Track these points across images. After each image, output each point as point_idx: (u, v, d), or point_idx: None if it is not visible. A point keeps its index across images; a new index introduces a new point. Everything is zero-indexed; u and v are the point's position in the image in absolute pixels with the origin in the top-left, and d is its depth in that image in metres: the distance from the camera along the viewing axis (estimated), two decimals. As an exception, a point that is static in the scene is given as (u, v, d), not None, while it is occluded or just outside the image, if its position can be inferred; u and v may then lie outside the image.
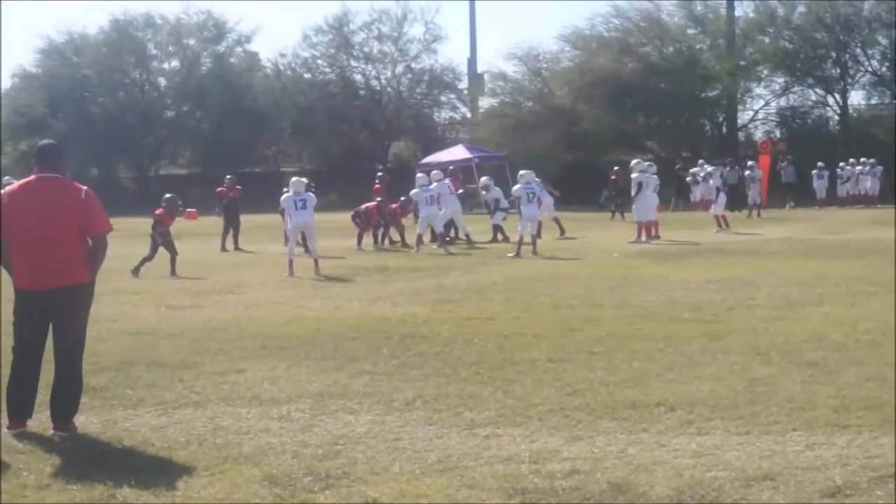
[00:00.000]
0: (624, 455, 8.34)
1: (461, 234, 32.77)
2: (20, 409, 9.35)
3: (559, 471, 7.90)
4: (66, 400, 9.37)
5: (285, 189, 25.80)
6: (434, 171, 33.28)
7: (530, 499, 7.29)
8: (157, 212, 25.57)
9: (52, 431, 9.28)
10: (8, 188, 9.48)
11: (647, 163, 34.48)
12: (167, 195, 26.61)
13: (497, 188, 34.32)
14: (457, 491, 7.46)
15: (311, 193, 25.55)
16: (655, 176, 32.88)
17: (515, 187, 29.40)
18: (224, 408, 10.23)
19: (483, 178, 36.44)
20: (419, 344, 13.67)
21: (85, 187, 9.60)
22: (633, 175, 32.43)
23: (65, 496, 7.53)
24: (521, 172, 29.94)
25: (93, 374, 11.55)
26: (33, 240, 9.25)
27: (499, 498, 7.31)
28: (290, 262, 23.94)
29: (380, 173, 39.09)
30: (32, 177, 9.49)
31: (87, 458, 8.55)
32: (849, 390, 10.22)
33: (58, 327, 9.39)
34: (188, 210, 49.97)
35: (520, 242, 27.52)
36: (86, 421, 9.70)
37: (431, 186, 31.12)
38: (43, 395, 9.49)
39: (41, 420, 9.46)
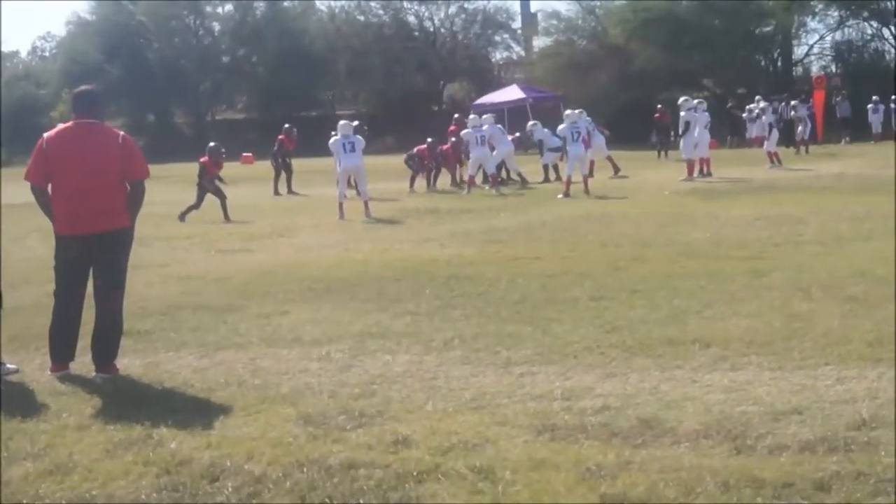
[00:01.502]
0: (656, 391, 8.39)
1: (513, 175, 32.76)
2: (63, 352, 9.54)
3: (590, 407, 7.97)
4: (107, 343, 9.53)
5: (333, 133, 25.82)
6: (485, 115, 33.20)
7: (559, 435, 7.34)
8: (202, 160, 25.78)
9: (94, 374, 9.46)
10: (47, 134, 9.58)
11: (696, 100, 34.14)
12: (211, 144, 26.85)
13: (545, 129, 34.26)
14: (487, 428, 7.53)
15: (359, 136, 25.60)
16: (706, 113, 32.59)
17: (561, 126, 29.38)
18: (265, 349, 10.37)
19: (529, 123, 36.33)
20: (463, 284, 13.76)
21: (122, 132, 9.75)
22: (682, 114, 32.25)
23: (103, 436, 7.66)
24: (567, 112, 29.92)
25: (139, 318, 11.79)
26: (73, 185, 9.38)
27: (528, 434, 7.37)
28: (341, 205, 24.13)
29: (456, 115, 38.89)
30: (70, 122, 9.61)
31: (127, 399, 8.70)
32: (886, 324, 10.17)
33: (98, 272, 9.54)
34: (244, 154, 50.44)
35: (568, 182, 27.51)
36: (129, 363, 9.87)
37: (483, 128, 31.11)
38: (85, 339, 9.65)
39: (84, 363, 9.63)
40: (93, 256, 9.49)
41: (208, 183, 25.22)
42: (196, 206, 24.94)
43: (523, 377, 9.01)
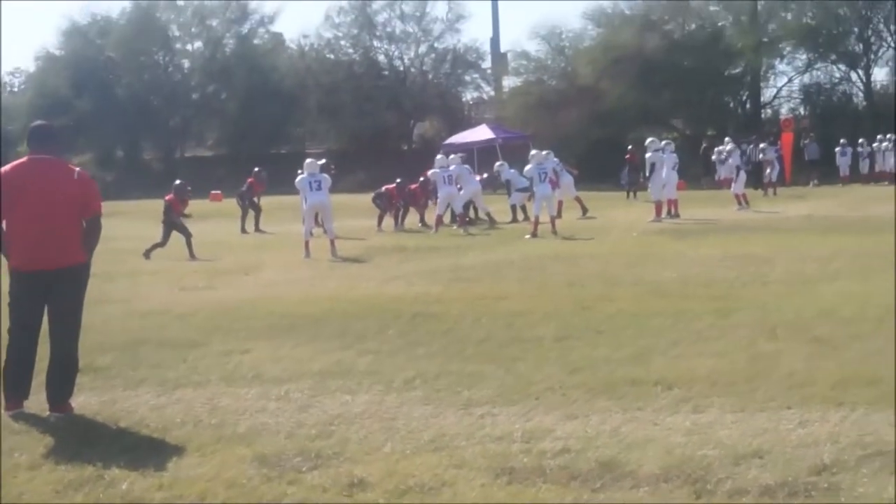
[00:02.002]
0: (617, 433, 8.31)
1: (481, 215, 32.70)
2: (17, 391, 9.36)
3: (550, 450, 7.87)
4: (62, 381, 9.38)
5: (300, 171, 25.79)
6: (452, 156, 33.13)
7: (517, 478, 7.26)
8: (168, 198, 25.66)
9: (48, 412, 9.30)
10: (2, 169, 9.43)
11: (663, 141, 34.19)
12: (177, 181, 26.71)
13: (512, 170, 34.27)
14: (445, 471, 7.44)
15: (325, 175, 25.62)
16: (674, 154, 32.67)
17: (527, 167, 29.38)
18: (224, 388, 10.25)
19: (497, 163, 36.28)
20: (428, 322, 13.67)
21: (78, 168, 9.64)
22: (647, 155, 32.35)
23: (54, 476, 7.54)
24: (533, 152, 30.04)
25: (98, 354, 11.67)
26: (29, 221, 9.23)
27: (486, 477, 7.28)
28: (307, 243, 24.08)
29: (438, 157, 38.77)
30: (25, 158, 9.49)
31: (81, 439, 8.57)
32: (850, 366, 10.16)
33: (54, 308, 9.39)
34: (213, 192, 50.36)
35: (535, 222, 27.47)
36: (85, 401, 9.73)
37: (451, 168, 31.08)
38: (40, 377, 9.49)
39: (39, 401, 9.46)
40: (49, 293, 9.34)
41: (174, 220, 25.07)
42: (162, 243, 24.79)
43: (484, 418, 8.91)
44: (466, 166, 32.89)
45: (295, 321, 14.04)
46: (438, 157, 32.48)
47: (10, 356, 9.37)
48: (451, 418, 8.95)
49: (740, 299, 14.88)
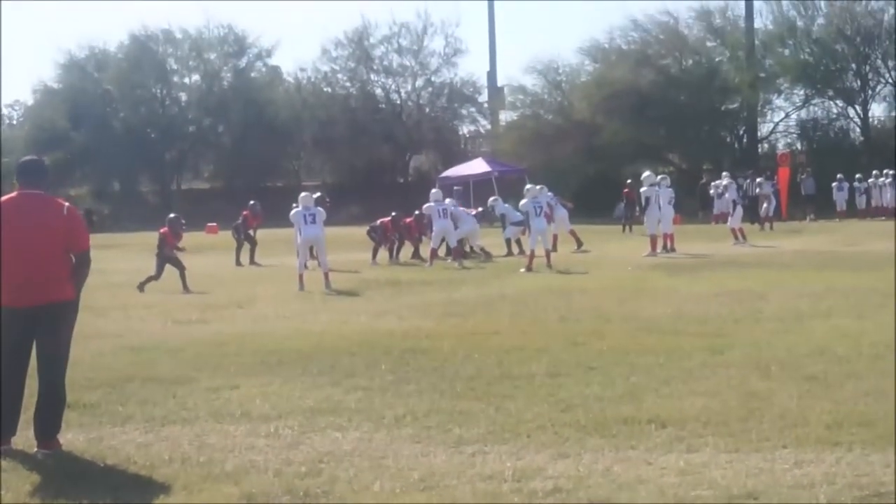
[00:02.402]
0: (609, 473, 8.22)
1: (476, 249, 32.60)
2: (4, 427, 9.26)
3: (541, 489, 7.79)
4: (49, 417, 9.28)
5: (294, 204, 25.79)
6: (448, 199, 32.99)
7: (507, 518, 7.18)
8: (162, 231, 25.59)
9: (35, 449, 9.20)
10: None
11: (659, 176, 34.16)
12: (171, 215, 26.65)
13: (506, 204, 34.21)
14: (434, 510, 7.36)
15: (319, 208, 25.65)
16: (670, 189, 32.70)
17: (522, 202, 29.28)
18: (213, 424, 10.15)
19: (490, 199, 36.20)
20: (418, 358, 13.57)
21: (67, 203, 9.56)
22: (642, 189, 32.36)
23: (38, 515, 7.47)
24: (527, 187, 30.05)
25: (87, 390, 11.60)
26: (17, 257, 9.16)
27: (475, 517, 7.21)
28: (301, 276, 24.05)
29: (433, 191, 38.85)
30: (14, 193, 9.42)
31: (67, 476, 8.49)
32: (845, 405, 10.07)
33: (41, 344, 9.31)
34: (209, 224, 50.34)
35: (531, 256, 27.45)
36: (72, 438, 9.64)
37: (446, 201, 31.08)
38: (27, 412, 9.40)
39: (27, 437, 9.37)
40: (37, 329, 9.26)
41: (168, 254, 25.00)
42: (156, 276, 24.70)
43: (474, 456, 8.82)
44: (462, 208, 33.00)
45: (284, 357, 13.93)
46: (433, 191, 32.44)
47: (-3, 393, 9.28)
48: (441, 457, 8.86)
49: (733, 336, 14.78)
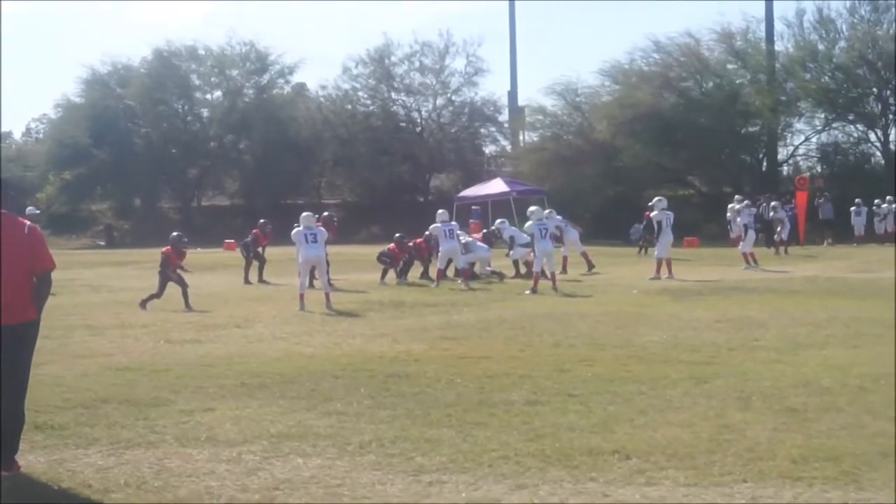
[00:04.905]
0: (563, 505, 8.12)
1: (485, 274, 32.43)
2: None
3: (490, 521, 7.69)
4: (8, 438, 9.20)
5: (296, 224, 25.76)
6: (460, 234, 32.77)
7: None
8: (164, 250, 25.56)
9: (-7, 471, 9.15)
10: None
11: (655, 198, 34.01)
12: (174, 234, 26.63)
13: (512, 227, 34.15)
14: (378, 542, 7.26)
15: (321, 228, 25.66)
16: (670, 212, 32.48)
17: (527, 224, 29.14)
18: (177, 448, 10.06)
19: (497, 221, 36.06)
20: (400, 383, 13.46)
21: (28, 223, 9.48)
22: (652, 214, 32.18)
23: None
24: (531, 209, 29.83)
25: (60, 412, 11.56)
26: (-19, 277, 9.10)
27: (418, 550, 7.10)
28: (302, 296, 24.03)
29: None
30: (-22, 213, 9.36)
31: (21, 499, 8.47)
32: (817, 439, 9.93)
33: (2, 365, 9.23)
34: (226, 241, 50.62)
35: (536, 278, 27.34)
36: (34, 460, 9.58)
37: (452, 223, 31.06)
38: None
39: (-16, 460, 9.30)
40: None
41: (168, 273, 25.00)
42: (157, 294, 24.72)
43: (431, 486, 8.72)
44: (473, 237, 33.25)
45: (266, 379, 13.85)
46: (440, 211, 32.34)
47: (-44, 414, 9.21)
48: (398, 485, 8.76)
49: (723, 365, 14.64)
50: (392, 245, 32.21)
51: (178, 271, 25.23)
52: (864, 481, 8.58)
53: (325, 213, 31.11)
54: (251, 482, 8.89)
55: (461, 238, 31.24)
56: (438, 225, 30.72)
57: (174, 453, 9.88)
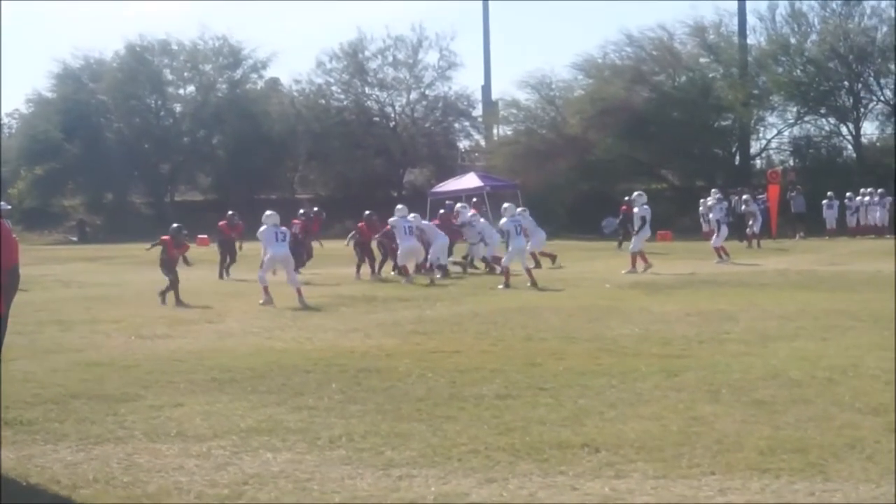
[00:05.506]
0: (533, 499, 8.14)
1: (446, 264, 32.24)
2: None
3: (459, 515, 7.70)
4: (-25, 435, 9.20)
5: (263, 223, 25.46)
6: (413, 214, 32.41)
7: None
8: (164, 238, 25.35)
9: (-43, 468, 9.12)
10: None
11: (635, 193, 33.98)
12: (174, 225, 26.26)
13: (483, 221, 34.10)
14: (346, 536, 7.26)
15: (284, 227, 25.67)
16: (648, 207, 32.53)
17: (502, 221, 29.05)
18: (146, 444, 10.03)
19: (458, 205, 35.84)
20: (371, 378, 13.46)
21: (-3, 218, 9.45)
22: (635, 210, 32.12)
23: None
24: (505, 206, 29.78)
25: (29, 407, 11.51)
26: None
27: (386, 544, 7.11)
28: (265, 288, 23.87)
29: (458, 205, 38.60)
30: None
31: (-14, 496, 8.40)
32: (784, 430, 9.98)
33: (-32, 361, 9.22)
34: (200, 236, 50.41)
35: (507, 274, 27.31)
36: (2, 456, 9.51)
37: (409, 217, 30.76)
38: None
39: (-50, 456, 9.29)
40: (-35, 346, 9.15)
41: (165, 261, 24.81)
42: (173, 283, 24.50)
43: (400, 480, 8.72)
44: (426, 222, 32.94)
45: (237, 374, 13.83)
46: (399, 206, 31.76)
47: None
48: (367, 479, 8.76)
49: (693, 358, 14.68)
50: (361, 223, 32.13)
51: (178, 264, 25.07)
52: (830, 472, 8.63)
53: (316, 209, 31.08)
54: (220, 477, 8.88)
55: (415, 223, 30.86)
56: (397, 219, 30.41)
57: (143, 449, 9.85)
